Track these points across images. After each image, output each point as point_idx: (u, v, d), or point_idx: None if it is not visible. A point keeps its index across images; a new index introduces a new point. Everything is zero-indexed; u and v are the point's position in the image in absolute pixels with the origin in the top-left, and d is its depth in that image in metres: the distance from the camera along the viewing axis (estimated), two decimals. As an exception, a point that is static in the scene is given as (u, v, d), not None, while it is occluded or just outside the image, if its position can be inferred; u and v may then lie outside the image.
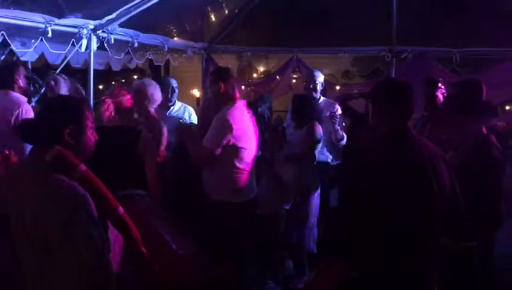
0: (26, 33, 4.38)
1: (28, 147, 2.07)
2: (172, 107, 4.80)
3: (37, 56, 5.09)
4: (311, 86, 5.11)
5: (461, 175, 2.40)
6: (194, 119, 4.79)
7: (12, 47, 4.42)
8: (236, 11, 6.77)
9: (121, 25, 4.89)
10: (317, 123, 4.33)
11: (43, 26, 4.17)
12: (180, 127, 3.87)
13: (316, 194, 4.32)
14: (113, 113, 3.28)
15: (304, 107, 4.41)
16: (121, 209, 1.98)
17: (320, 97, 5.17)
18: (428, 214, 2.17)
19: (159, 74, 9.14)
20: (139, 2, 4.55)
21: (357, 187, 2.35)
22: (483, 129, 3.05)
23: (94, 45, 4.71)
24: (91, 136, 2.01)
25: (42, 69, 5.74)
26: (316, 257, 4.25)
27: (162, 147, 3.60)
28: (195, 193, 3.75)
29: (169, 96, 4.73)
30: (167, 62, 6.87)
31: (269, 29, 7.18)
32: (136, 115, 3.57)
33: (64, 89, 4.66)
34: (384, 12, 6.27)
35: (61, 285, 1.80)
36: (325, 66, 7.20)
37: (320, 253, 4.28)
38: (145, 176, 3.16)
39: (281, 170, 4.25)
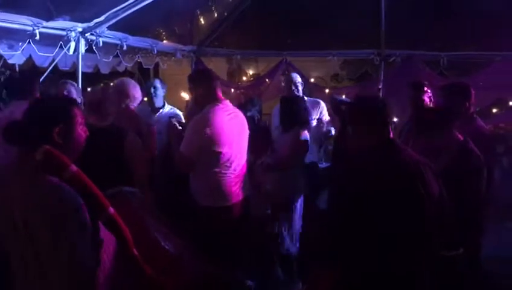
0: (13, 36, 4.35)
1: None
2: (161, 110, 4.80)
3: (24, 59, 5.04)
4: (293, 88, 5.13)
5: (444, 181, 2.42)
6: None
7: (-1, 50, 4.40)
8: (225, 14, 6.78)
9: (109, 28, 4.88)
10: (304, 129, 4.26)
11: (30, 28, 4.14)
12: (170, 126, 3.79)
13: (300, 200, 4.24)
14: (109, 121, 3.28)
15: (293, 110, 4.34)
16: (111, 209, 1.96)
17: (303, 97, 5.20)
18: (417, 217, 2.18)
19: (148, 76, 9.11)
20: (127, 5, 4.54)
21: (346, 191, 2.36)
22: (459, 136, 3.06)
23: (82, 48, 4.69)
24: (81, 132, 2.01)
25: (30, 72, 5.69)
26: (303, 262, 4.23)
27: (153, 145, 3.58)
28: (184, 193, 3.74)
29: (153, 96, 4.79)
30: (156, 65, 6.85)
31: (259, 32, 7.19)
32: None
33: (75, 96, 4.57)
34: (373, 16, 6.30)
35: (46, 283, 1.79)
36: (315, 69, 7.24)
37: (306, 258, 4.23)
38: (131, 176, 3.13)
39: (264, 177, 4.15)
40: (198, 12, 6.64)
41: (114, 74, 6.66)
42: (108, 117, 3.34)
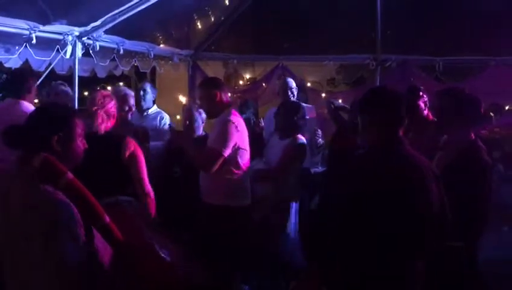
0: (10, 39, 4.35)
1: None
2: (148, 111, 4.92)
3: (21, 63, 5.02)
4: (289, 93, 5.15)
5: (448, 174, 2.41)
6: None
7: (-4, 53, 4.40)
8: (222, 18, 6.79)
9: (106, 32, 4.88)
10: (300, 136, 4.24)
11: (27, 32, 4.14)
12: (175, 132, 3.94)
13: (294, 205, 4.22)
14: (109, 124, 3.27)
15: (292, 116, 4.28)
16: (107, 218, 1.96)
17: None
18: (415, 218, 2.18)
19: (147, 80, 9.11)
20: (124, 9, 4.55)
21: (345, 191, 2.35)
22: (472, 135, 3.07)
23: (79, 52, 4.69)
24: (80, 143, 2.01)
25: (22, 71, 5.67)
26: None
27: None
28: (182, 199, 3.75)
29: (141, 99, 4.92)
30: (153, 69, 6.85)
31: (255, 37, 7.21)
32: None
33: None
34: (369, 21, 6.34)
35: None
36: (310, 73, 7.24)
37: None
38: (130, 184, 3.14)
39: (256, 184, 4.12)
40: (195, 16, 6.65)
41: (111, 78, 6.66)
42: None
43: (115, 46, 5.26)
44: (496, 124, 6.36)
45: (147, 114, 5.03)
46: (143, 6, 4.59)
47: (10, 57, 4.55)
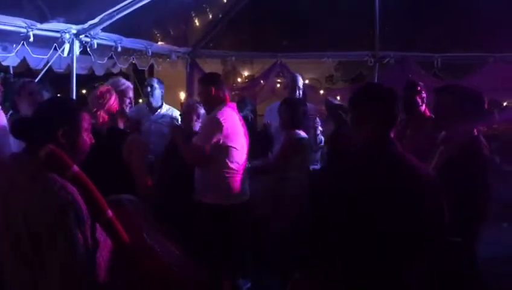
0: (7, 37, 4.33)
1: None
2: (159, 110, 4.86)
3: (18, 61, 5.02)
4: (297, 90, 5.16)
5: (449, 170, 2.39)
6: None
7: (-7, 52, 4.39)
8: (220, 15, 6.78)
9: (104, 30, 4.86)
10: (299, 131, 4.20)
11: (24, 30, 4.13)
12: (172, 127, 3.96)
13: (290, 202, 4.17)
14: (109, 123, 3.28)
15: (297, 112, 4.26)
16: (110, 212, 1.96)
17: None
18: (409, 218, 2.17)
19: (144, 78, 9.10)
20: (122, 7, 4.53)
21: (341, 189, 2.34)
22: (475, 131, 3.06)
23: (77, 50, 4.67)
24: (86, 138, 2.02)
25: (24, 74, 5.67)
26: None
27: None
28: (182, 196, 3.75)
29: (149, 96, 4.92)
30: (151, 67, 6.84)
31: (253, 34, 7.21)
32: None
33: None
34: (367, 18, 6.33)
35: (40, 283, 1.80)
36: (309, 70, 7.26)
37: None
38: (132, 179, 3.15)
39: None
40: (193, 14, 6.63)
41: (109, 76, 6.64)
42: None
43: (112, 43, 5.24)
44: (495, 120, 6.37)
45: (159, 114, 4.96)
46: (140, 4, 4.58)
47: (8, 55, 4.54)
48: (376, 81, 6.46)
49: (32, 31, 4.15)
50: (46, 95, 4.30)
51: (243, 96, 6.46)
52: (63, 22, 4.47)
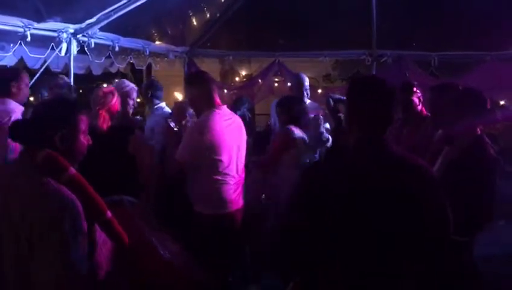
0: (4, 37, 4.32)
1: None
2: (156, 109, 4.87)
3: (16, 60, 5.01)
4: (303, 90, 5.06)
5: (453, 172, 2.37)
6: None
7: (-9, 51, 4.38)
8: (217, 15, 6.78)
9: (101, 29, 4.86)
10: (293, 127, 4.05)
11: (21, 30, 4.12)
12: (166, 129, 3.72)
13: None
14: (109, 123, 3.32)
15: (292, 110, 4.15)
16: (109, 213, 1.97)
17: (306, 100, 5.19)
18: (408, 218, 2.17)
19: (141, 77, 9.10)
20: (119, 6, 4.53)
21: (338, 188, 2.33)
22: (478, 130, 3.05)
23: (74, 49, 4.68)
24: (83, 140, 2.01)
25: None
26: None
27: None
28: (181, 198, 3.74)
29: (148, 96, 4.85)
30: (149, 66, 6.84)
31: (251, 33, 7.20)
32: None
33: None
34: (364, 17, 6.34)
35: (35, 284, 1.80)
36: (307, 69, 7.24)
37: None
38: (136, 175, 3.23)
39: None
40: (191, 13, 6.63)
41: (106, 75, 6.65)
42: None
43: (110, 43, 5.24)
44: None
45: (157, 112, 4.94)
46: (138, 3, 4.58)
47: (5, 54, 4.52)
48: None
49: (29, 30, 4.14)
50: (44, 95, 4.33)
51: (239, 95, 6.47)
52: (60, 21, 4.47)
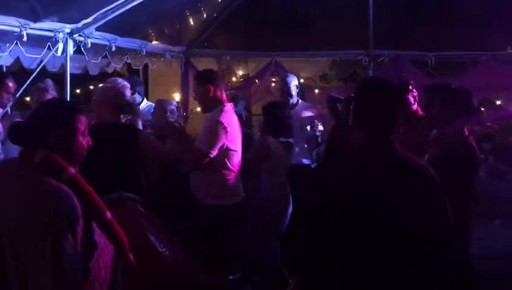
0: (0, 37, 4.30)
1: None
2: (140, 106, 5.07)
3: (12, 60, 5.00)
4: (286, 91, 5.11)
5: (437, 170, 2.38)
6: None
7: (-14, 51, 4.36)
8: (214, 14, 6.77)
9: (98, 29, 4.85)
10: (268, 139, 4.12)
11: (18, 30, 4.11)
12: (169, 126, 3.73)
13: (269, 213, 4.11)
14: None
15: (276, 117, 4.21)
16: (108, 214, 1.96)
17: (298, 101, 5.19)
18: (410, 217, 2.17)
19: (138, 77, 9.08)
20: (116, 6, 4.52)
21: (339, 188, 2.32)
22: (465, 131, 3.06)
23: (71, 49, 4.66)
24: (82, 141, 2.00)
25: (18, 73, 5.65)
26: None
27: None
28: (183, 193, 3.75)
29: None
30: (145, 66, 6.83)
31: (248, 33, 7.20)
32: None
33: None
34: (362, 17, 6.34)
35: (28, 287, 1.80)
36: (304, 69, 7.26)
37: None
38: (139, 172, 3.33)
39: None
40: (187, 13, 6.62)
41: (103, 75, 6.64)
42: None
43: (106, 43, 5.23)
44: (488, 118, 6.41)
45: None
46: (135, 3, 4.57)
47: (1, 54, 4.51)
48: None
49: (25, 30, 4.13)
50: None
51: (235, 94, 6.47)
52: (57, 21, 4.45)
